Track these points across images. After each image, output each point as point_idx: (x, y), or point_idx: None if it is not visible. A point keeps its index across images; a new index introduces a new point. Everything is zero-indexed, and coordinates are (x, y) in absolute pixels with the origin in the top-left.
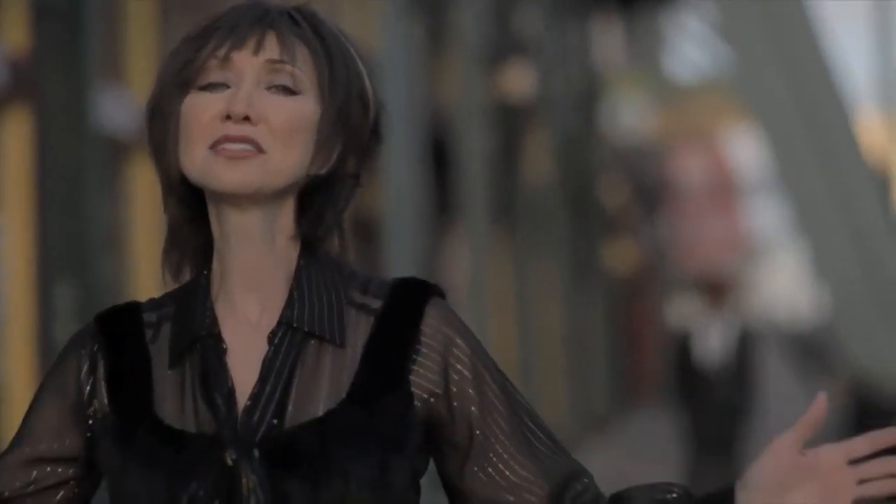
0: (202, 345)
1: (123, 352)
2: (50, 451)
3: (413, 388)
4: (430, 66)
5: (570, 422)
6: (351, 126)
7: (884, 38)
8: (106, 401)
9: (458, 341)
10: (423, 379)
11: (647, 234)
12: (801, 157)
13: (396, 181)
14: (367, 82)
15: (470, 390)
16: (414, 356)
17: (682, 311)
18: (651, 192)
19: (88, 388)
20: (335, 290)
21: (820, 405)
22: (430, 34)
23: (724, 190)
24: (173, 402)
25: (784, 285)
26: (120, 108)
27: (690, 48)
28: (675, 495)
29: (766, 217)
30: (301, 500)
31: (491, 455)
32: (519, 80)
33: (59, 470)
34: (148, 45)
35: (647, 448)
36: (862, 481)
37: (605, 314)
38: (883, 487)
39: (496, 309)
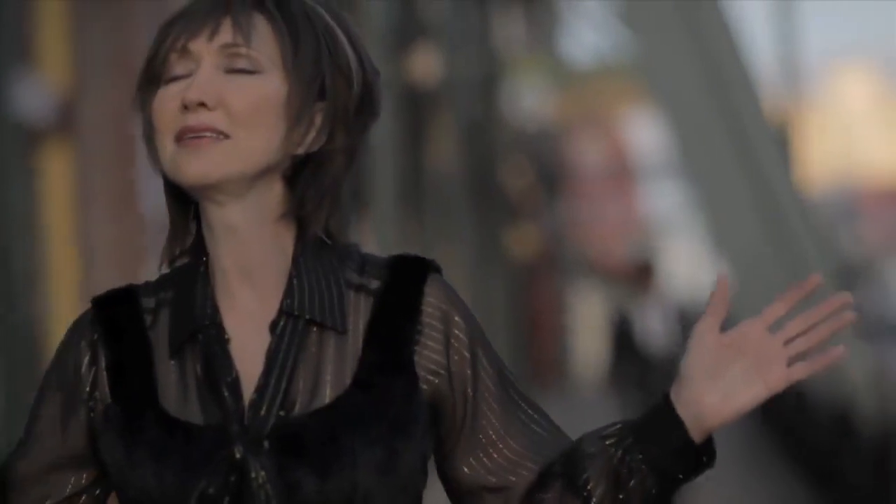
0: (204, 335)
1: (124, 340)
2: (59, 451)
3: (418, 370)
4: None
5: None
6: (331, 100)
7: (785, 14)
8: (108, 391)
9: (457, 319)
10: (426, 359)
11: (547, 218)
12: (706, 136)
13: None
14: (349, 54)
15: (467, 370)
16: (416, 336)
17: (588, 297)
18: (551, 176)
19: (90, 379)
20: (333, 273)
21: (722, 284)
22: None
23: (623, 173)
24: (176, 393)
25: (683, 267)
26: (34, 94)
27: (589, 32)
28: (618, 426)
29: (666, 200)
30: (311, 490)
31: (481, 437)
32: (424, 65)
33: (73, 478)
34: (61, 31)
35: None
36: (787, 342)
37: (508, 299)
38: (809, 341)
39: None
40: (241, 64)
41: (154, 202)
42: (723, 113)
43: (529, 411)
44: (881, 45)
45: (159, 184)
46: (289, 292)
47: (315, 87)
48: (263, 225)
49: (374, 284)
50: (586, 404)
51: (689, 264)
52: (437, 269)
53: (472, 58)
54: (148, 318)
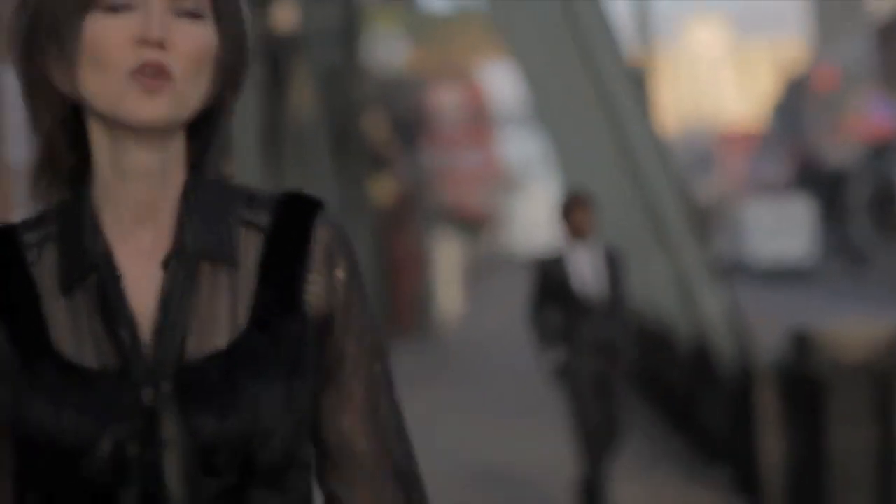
0: (98, 274)
1: (9, 279)
2: None
3: (307, 308)
4: None
5: None
6: (235, 55)
7: None
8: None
9: (341, 260)
10: (314, 297)
11: (406, 166)
12: (561, 83)
13: None
14: (245, 9)
15: (339, 315)
16: (306, 274)
17: (445, 243)
18: (410, 124)
19: None
20: (223, 209)
21: None
22: None
23: (479, 122)
24: (69, 334)
25: (539, 216)
26: None
27: None
28: None
29: (522, 149)
30: (211, 432)
31: (333, 389)
32: (283, 14)
33: None
34: None
35: (412, 379)
36: None
37: (369, 247)
38: None
39: None
40: (189, 6)
41: (21, 153)
42: (578, 59)
43: (385, 410)
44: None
45: (24, 133)
46: (180, 229)
47: (239, 41)
48: (170, 168)
49: (264, 220)
50: (446, 347)
51: (545, 212)
52: (325, 207)
53: (330, 8)
54: (30, 255)
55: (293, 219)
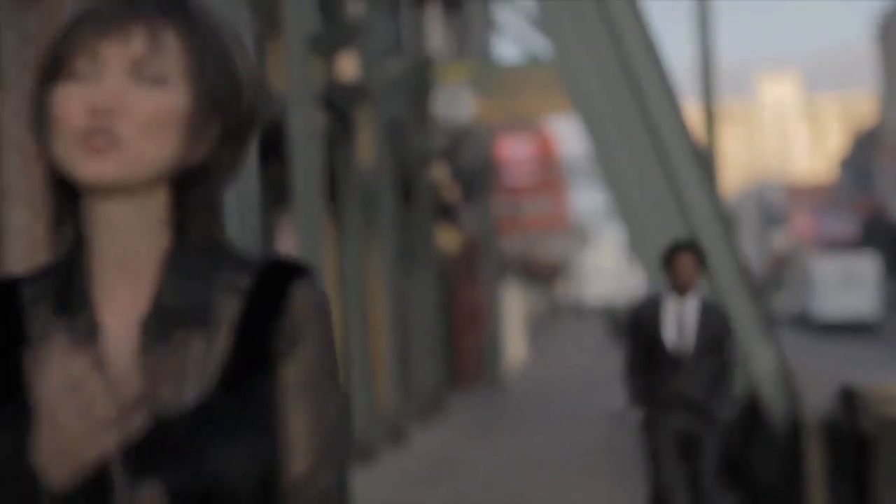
0: (78, 326)
1: (5, 332)
2: None
3: (276, 369)
4: (259, 52)
5: (401, 404)
6: (224, 114)
7: (704, 33)
8: None
9: (314, 327)
10: (282, 360)
11: (474, 218)
12: (622, 140)
13: None
14: (242, 70)
15: (295, 374)
16: (279, 338)
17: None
18: (478, 176)
19: None
20: (205, 271)
21: None
22: (259, 18)
23: (548, 173)
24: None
25: (606, 266)
26: None
27: (515, 36)
28: None
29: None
30: (174, 490)
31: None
32: (349, 67)
33: None
34: None
35: (479, 427)
36: None
37: (435, 297)
38: None
39: (332, 295)
40: (149, 73)
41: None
42: (640, 119)
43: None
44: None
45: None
46: (159, 290)
47: (217, 100)
48: (145, 224)
49: (245, 283)
50: (513, 398)
51: (610, 264)
52: (311, 273)
53: (398, 60)
54: (30, 311)
55: (272, 282)
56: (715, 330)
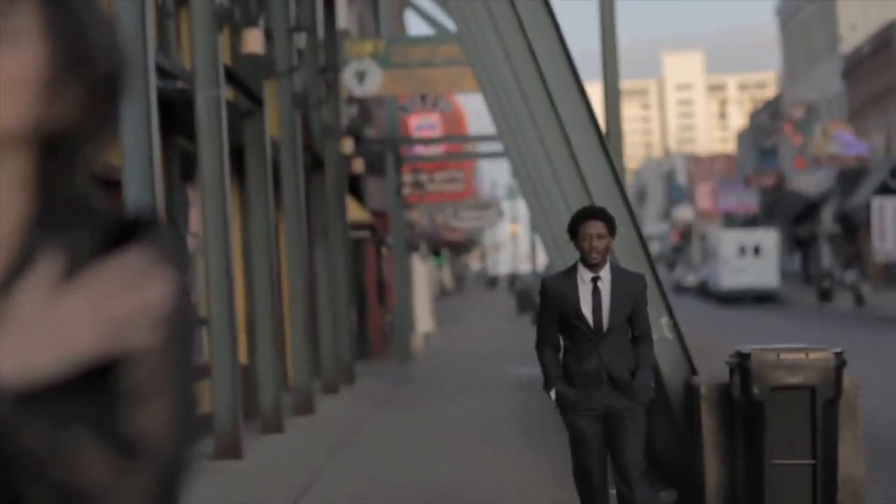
0: None
1: None
2: None
3: None
4: (165, 27)
5: (310, 377)
6: (84, 73)
7: (606, 12)
8: None
9: (153, 281)
10: None
11: (382, 191)
12: (529, 117)
13: (131, 140)
14: (98, 24)
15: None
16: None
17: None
18: (386, 149)
19: None
20: (67, 237)
21: None
22: None
23: (457, 148)
24: None
25: (517, 239)
26: None
27: (425, 12)
28: None
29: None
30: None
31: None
32: (257, 41)
33: None
34: None
35: (386, 398)
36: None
37: (345, 271)
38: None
39: (238, 262)
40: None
41: None
42: (543, 95)
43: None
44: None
45: None
46: (18, 252)
47: (71, 61)
48: (3, 188)
49: (95, 240)
50: (421, 369)
51: (521, 237)
52: (161, 231)
53: (305, 35)
54: None
55: (118, 238)
56: (630, 299)
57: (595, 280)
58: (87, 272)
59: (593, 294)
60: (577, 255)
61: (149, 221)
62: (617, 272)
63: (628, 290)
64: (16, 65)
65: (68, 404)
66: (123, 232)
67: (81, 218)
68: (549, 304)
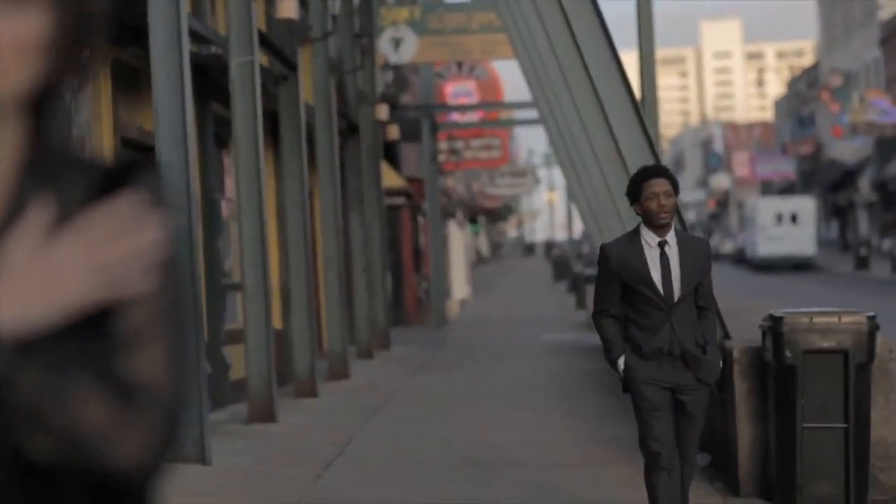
0: None
1: None
2: None
3: None
4: None
5: (345, 343)
6: (85, 43)
7: None
8: None
9: (145, 224)
10: None
11: (418, 157)
12: (565, 85)
13: (164, 104)
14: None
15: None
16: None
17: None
18: (422, 116)
19: None
20: (61, 184)
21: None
22: None
23: (493, 115)
24: None
25: (553, 206)
26: None
27: None
28: None
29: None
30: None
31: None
32: (292, 6)
33: None
34: None
35: (420, 363)
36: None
37: (380, 236)
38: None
39: (273, 229)
40: None
41: None
42: (579, 63)
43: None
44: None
45: None
46: (13, 201)
47: (79, 24)
48: (2, 143)
49: (87, 187)
50: (456, 335)
51: (557, 204)
52: (152, 176)
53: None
54: None
55: (110, 185)
56: (698, 266)
57: (662, 245)
58: (79, 220)
59: (661, 259)
60: (614, 222)
61: (138, 167)
62: (682, 237)
63: (696, 255)
64: (22, 31)
65: (66, 351)
66: (114, 179)
67: (71, 167)
68: (610, 271)
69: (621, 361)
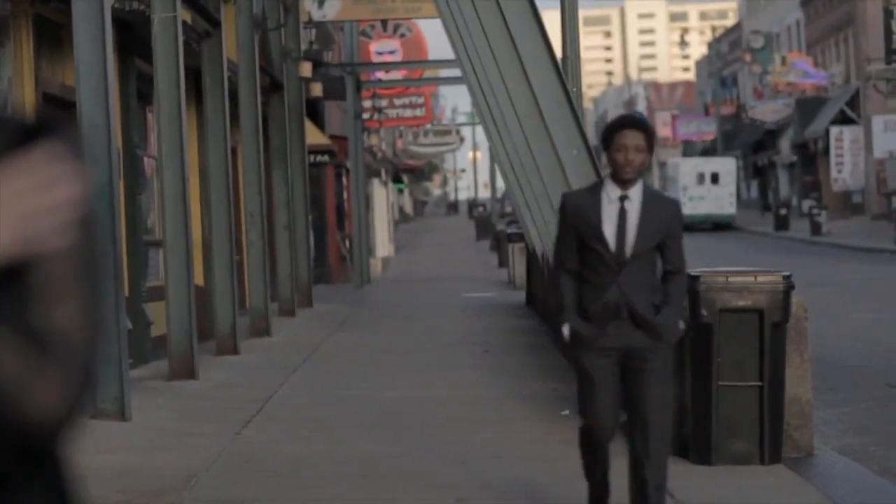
0: None
1: None
2: None
3: None
4: None
5: (267, 300)
6: None
7: None
8: None
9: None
10: None
11: (342, 115)
12: (487, 45)
13: (86, 59)
14: None
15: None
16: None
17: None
18: (346, 74)
19: None
20: None
21: None
22: None
23: (417, 74)
24: None
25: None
26: None
27: None
28: None
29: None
30: None
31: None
32: None
33: None
34: None
35: (341, 320)
36: None
37: (302, 195)
38: None
39: (194, 188)
40: None
41: None
42: (500, 24)
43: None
44: None
45: None
46: None
47: None
48: None
49: (4, 146)
50: (378, 292)
51: (482, 163)
52: (66, 129)
53: None
54: None
55: (28, 140)
56: (661, 227)
57: (623, 199)
58: None
59: (619, 215)
60: (535, 180)
61: (56, 123)
62: (649, 194)
63: (660, 215)
64: None
65: None
66: (33, 135)
67: None
68: (567, 223)
69: (566, 329)
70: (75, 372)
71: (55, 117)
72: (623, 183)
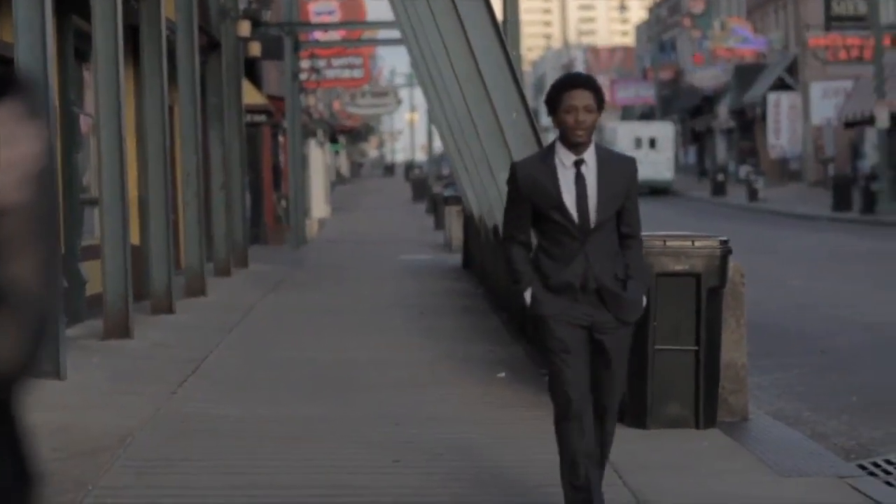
0: None
1: None
2: None
3: None
4: None
5: (202, 260)
6: None
7: None
8: None
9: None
10: None
11: (279, 75)
12: (427, 7)
13: (24, 16)
14: None
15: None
16: None
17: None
18: (284, 34)
19: None
20: None
21: None
22: None
23: (355, 35)
24: None
25: (415, 127)
26: None
27: None
28: None
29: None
30: None
31: None
32: None
33: None
34: None
35: (277, 281)
36: None
37: (239, 155)
38: None
39: (132, 146)
40: None
41: None
42: None
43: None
44: None
45: None
46: None
47: None
48: None
49: None
50: (314, 254)
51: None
52: (24, 85)
53: None
54: None
55: None
56: (621, 189)
57: (578, 164)
58: None
59: (576, 181)
60: (473, 143)
61: (13, 80)
62: (603, 154)
63: (618, 176)
64: None
65: None
66: None
67: None
68: (518, 193)
69: (528, 294)
70: (32, 322)
71: (12, 74)
72: (575, 147)
